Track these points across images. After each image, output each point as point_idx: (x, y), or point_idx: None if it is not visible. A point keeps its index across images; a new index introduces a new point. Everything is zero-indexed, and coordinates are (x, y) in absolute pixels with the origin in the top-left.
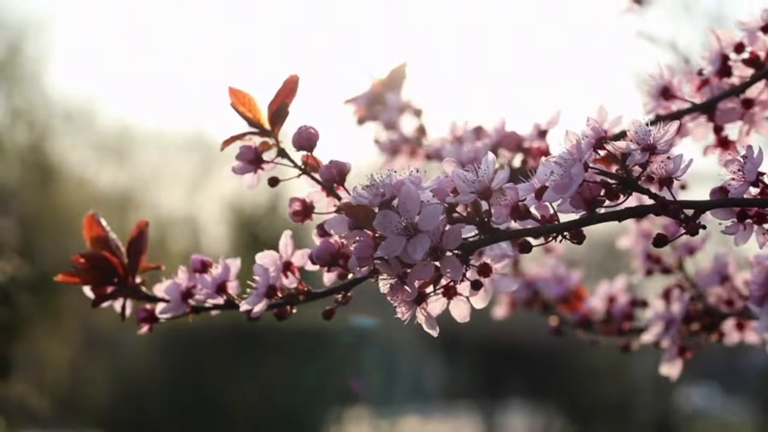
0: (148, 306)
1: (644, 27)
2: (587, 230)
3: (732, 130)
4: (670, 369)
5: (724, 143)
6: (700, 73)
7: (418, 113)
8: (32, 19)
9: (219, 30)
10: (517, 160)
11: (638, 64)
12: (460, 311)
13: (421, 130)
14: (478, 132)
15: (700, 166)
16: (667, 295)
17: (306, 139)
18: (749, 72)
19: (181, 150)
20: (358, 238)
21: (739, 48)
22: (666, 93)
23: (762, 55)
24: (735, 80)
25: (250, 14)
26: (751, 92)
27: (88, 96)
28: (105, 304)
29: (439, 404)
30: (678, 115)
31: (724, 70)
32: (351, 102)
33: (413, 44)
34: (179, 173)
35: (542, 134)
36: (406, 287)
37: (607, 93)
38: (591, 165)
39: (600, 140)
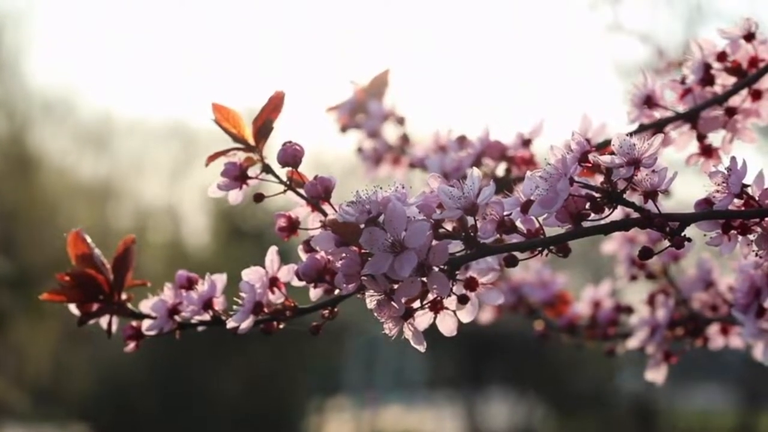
0: (134, 323)
1: (622, 17)
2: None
3: (715, 139)
4: (656, 374)
5: (707, 151)
6: (682, 81)
7: (401, 121)
8: (10, 8)
9: (199, 17)
10: (501, 169)
11: (619, 53)
12: (446, 325)
13: (405, 139)
14: (462, 141)
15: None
16: (651, 301)
17: (291, 156)
18: (732, 80)
19: (162, 139)
20: (344, 254)
21: (722, 57)
22: (649, 102)
23: (744, 63)
24: (718, 89)
25: (230, 4)
26: (734, 101)
27: (67, 85)
28: (91, 322)
29: (421, 393)
30: (661, 124)
31: (707, 78)
32: (333, 110)
33: (395, 51)
34: (160, 162)
35: (526, 143)
36: (394, 303)
37: (591, 82)
38: (576, 178)
39: (585, 154)
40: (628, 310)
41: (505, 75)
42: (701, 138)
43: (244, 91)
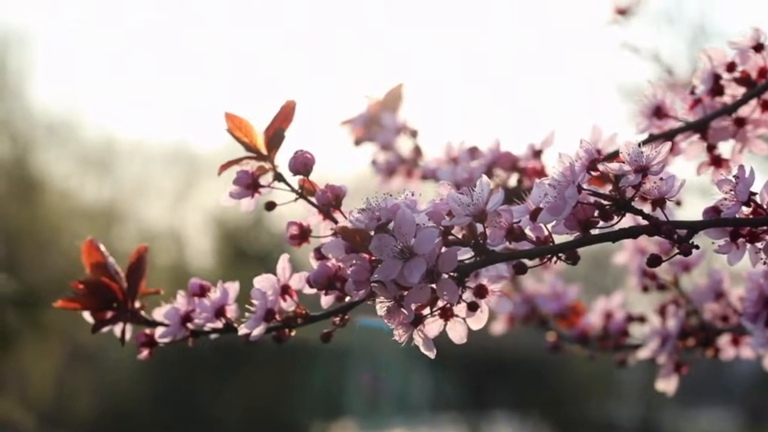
0: (147, 330)
1: (629, 38)
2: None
3: (725, 148)
4: (666, 384)
5: (717, 161)
6: (692, 92)
7: (414, 134)
8: (14, 32)
9: (201, 41)
10: (513, 180)
11: (623, 75)
12: (457, 333)
13: (417, 151)
14: (473, 152)
15: (693, 181)
16: (663, 311)
17: (302, 164)
18: (741, 91)
19: (165, 162)
20: (354, 261)
21: (731, 67)
22: (659, 112)
23: (753, 74)
24: (727, 99)
25: (233, 26)
26: (743, 111)
27: (70, 108)
28: (105, 329)
29: (425, 416)
30: (671, 134)
31: (716, 89)
32: (348, 123)
33: (409, 65)
34: (163, 185)
35: (537, 154)
36: (403, 310)
37: (593, 103)
38: (584, 186)
39: (593, 162)
40: (641, 319)
41: (511, 90)
42: (711, 148)
43: (247, 114)
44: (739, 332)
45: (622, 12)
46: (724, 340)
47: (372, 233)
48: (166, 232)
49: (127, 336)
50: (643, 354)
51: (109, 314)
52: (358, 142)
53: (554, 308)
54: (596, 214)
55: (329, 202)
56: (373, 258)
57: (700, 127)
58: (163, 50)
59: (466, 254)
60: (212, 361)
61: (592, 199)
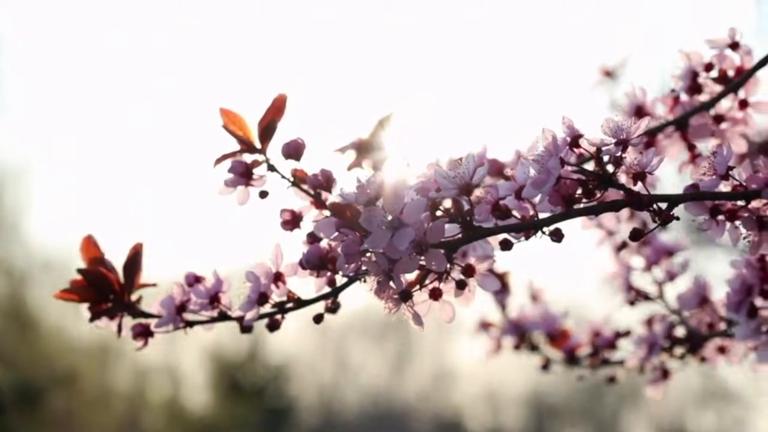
0: (143, 321)
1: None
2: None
3: (705, 150)
4: (655, 391)
5: (697, 159)
6: (672, 91)
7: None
8: (10, 168)
9: (189, 172)
10: None
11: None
12: (445, 313)
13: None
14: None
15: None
16: (649, 323)
17: (294, 149)
18: (719, 89)
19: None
20: (345, 236)
21: (709, 67)
22: (640, 111)
23: (731, 72)
24: (706, 98)
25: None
26: (722, 108)
27: (66, 244)
28: (101, 323)
29: None
30: (652, 132)
31: (695, 86)
32: (340, 151)
33: (398, 91)
34: None
35: None
36: (392, 283)
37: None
38: (567, 160)
39: (576, 137)
40: (627, 334)
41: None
42: (691, 147)
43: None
44: (725, 336)
45: (609, 74)
46: (710, 348)
47: (362, 208)
48: (161, 368)
49: (124, 330)
50: (631, 362)
51: (106, 306)
52: (350, 168)
53: (544, 331)
54: (579, 191)
55: (320, 184)
56: (363, 234)
57: (680, 125)
58: (159, 186)
59: (453, 231)
60: None
61: (574, 175)
